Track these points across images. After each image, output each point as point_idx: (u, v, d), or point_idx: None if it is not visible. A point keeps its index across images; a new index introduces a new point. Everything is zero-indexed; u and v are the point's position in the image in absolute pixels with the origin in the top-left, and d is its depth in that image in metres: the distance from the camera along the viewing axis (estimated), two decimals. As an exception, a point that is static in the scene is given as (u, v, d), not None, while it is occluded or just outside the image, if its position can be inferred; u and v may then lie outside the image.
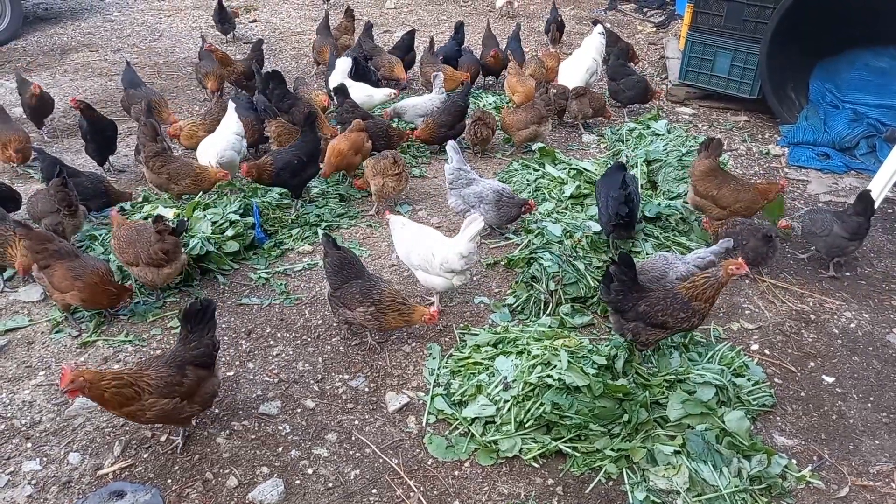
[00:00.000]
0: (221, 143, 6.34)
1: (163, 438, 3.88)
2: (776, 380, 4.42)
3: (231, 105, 6.60)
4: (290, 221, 6.01)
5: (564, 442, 3.77)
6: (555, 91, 7.76)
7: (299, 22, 12.60)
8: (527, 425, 3.82)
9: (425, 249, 4.66)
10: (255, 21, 12.54)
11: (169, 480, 3.63)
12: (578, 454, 3.73)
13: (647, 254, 5.41)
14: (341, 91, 7.19)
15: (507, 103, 8.33)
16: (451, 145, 5.87)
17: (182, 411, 3.62)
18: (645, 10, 13.18)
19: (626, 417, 3.80)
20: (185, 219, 5.20)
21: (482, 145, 7.37)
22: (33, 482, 3.59)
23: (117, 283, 4.66)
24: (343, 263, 4.48)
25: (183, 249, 4.93)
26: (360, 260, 4.67)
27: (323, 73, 8.97)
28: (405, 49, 9.36)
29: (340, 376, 4.38)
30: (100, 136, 6.59)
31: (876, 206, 5.42)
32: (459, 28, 9.62)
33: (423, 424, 3.99)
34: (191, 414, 3.72)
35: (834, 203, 6.61)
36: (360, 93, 7.73)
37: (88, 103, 6.59)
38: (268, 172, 5.88)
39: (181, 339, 3.76)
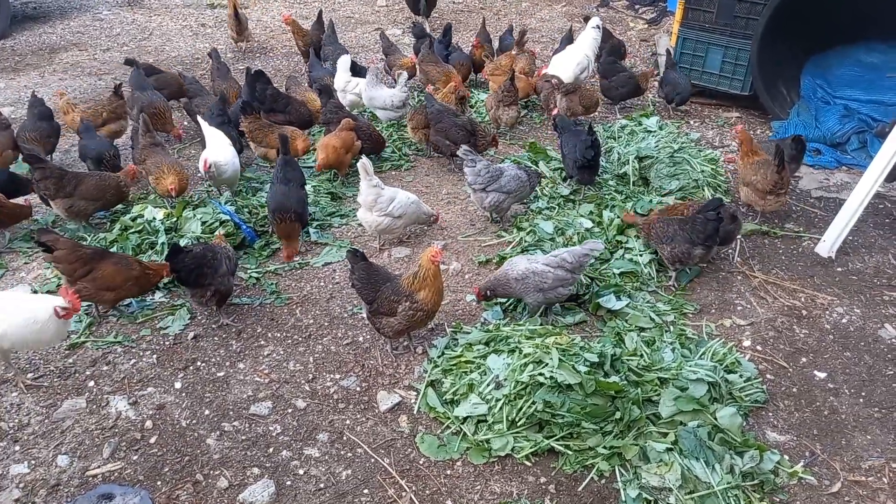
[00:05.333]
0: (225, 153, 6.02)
1: (152, 440, 3.85)
2: (768, 375, 4.42)
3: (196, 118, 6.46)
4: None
5: (556, 440, 3.76)
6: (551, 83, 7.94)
7: (290, 20, 12.53)
8: (519, 424, 3.81)
9: None
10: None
11: (159, 482, 3.61)
12: (571, 452, 3.72)
13: (639, 251, 5.42)
14: (326, 91, 7.22)
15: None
16: (464, 149, 5.81)
17: None
18: (637, 6, 13.17)
19: (618, 415, 3.78)
20: None
21: None
22: (21, 485, 3.56)
23: (153, 263, 4.81)
24: (370, 273, 4.37)
25: None
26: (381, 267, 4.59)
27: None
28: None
29: (332, 376, 4.36)
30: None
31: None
32: (447, 31, 9.62)
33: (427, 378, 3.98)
34: None
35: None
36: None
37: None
38: (297, 228, 5.46)
39: None
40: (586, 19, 9.27)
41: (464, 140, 6.47)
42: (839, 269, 5.53)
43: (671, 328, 4.69)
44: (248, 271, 5.33)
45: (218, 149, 6.02)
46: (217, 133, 6.20)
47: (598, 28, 8.52)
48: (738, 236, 5.75)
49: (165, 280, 5.04)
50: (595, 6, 13.32)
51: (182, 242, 5.26)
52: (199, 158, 6.02)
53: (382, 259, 5.54)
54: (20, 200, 5.63)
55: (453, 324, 4.70)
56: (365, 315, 4.54)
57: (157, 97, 7.24)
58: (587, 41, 8.44)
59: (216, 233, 5.28)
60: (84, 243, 4.77)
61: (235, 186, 6.23)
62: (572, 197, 6.27)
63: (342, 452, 3.83)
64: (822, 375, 4.46)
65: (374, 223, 5.46)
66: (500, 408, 3.85)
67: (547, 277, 4.52)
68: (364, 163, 5.29)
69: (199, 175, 6.08)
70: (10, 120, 6.81)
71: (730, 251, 5.67)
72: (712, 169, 6.66)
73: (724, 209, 5.22)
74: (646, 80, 8.26)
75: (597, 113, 8.14)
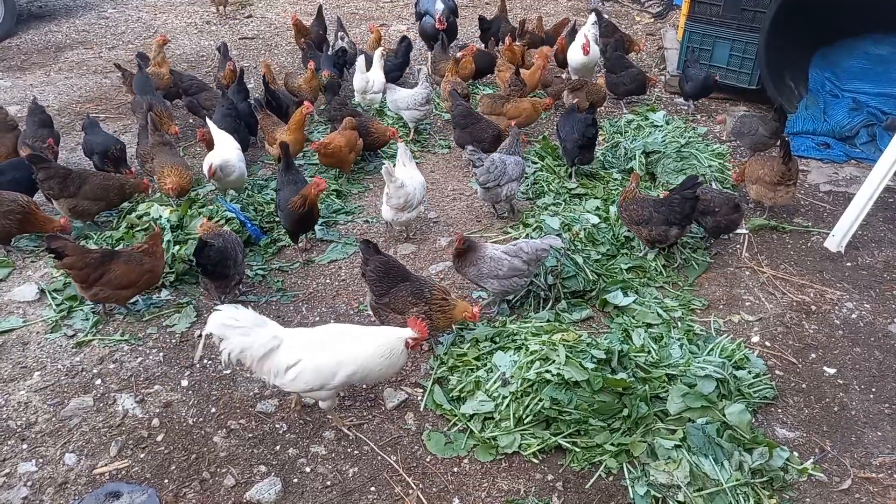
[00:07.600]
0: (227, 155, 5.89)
1: (159, 438, 3.86)
2: (777, 372, 4.39)
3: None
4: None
5: (564, 437, 3.74)
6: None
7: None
8: (526, 421, 3.79)
9: None
10: (250, 16, 12.46)
11: (166, 480, 3.61)
12: (578, 449, 3.70)
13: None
14: (331, 88, 7.22)
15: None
16: (470, 149, 5.83)
17: None
18: (643, 0, 13.09)
19: (625, 412, 3.77)
20: None
21: None
22: (29, 483, 3.57)
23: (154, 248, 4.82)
24: (388, 268, 4.37)
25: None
26: (402, 263, 4.56)
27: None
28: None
29: (338, 373, 4.35)
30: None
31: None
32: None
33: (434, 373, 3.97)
34: None
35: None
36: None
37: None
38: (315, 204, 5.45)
39: None
40: (591, 12, 9.26)
41: (491, 141, 6.53)
42: (848, 264, 5.48)
43: (679, 324, 4.67)
44: (254, 269, 5.32)
45: (224, 151, 5.92)
46: (224, 135, 6.13)
47: (596, 24, 8.64)
48: (746, 231, 5.73)
49: (171, 278, 5.07)
50: (600, 0, 13.25)
51: (185, 240, 5.26)
52: (205, 160, 5.97)
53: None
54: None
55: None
56: (368, 304, 4.53)
57: (161, 104, 7.23)
58: (589, 36, 8.46)
59: (200, 217, 5.33)
60: (91, 246, 4.76)
61: (241, 190, 6.19)
62: (579, 191, 6.23)
63: (349, 450, 3.82)
64: (832, 371, 4.42)
65: (405, 219, 5.55)
66: (507, 405, 3.84)
67: (502, 265, 4.53)
68: (388, 168, 5.28)
69: (206, 178, 6.05)
70: (16, 120, 6.82)
71: (738, 246, 5.64)
72: (720, 163, 6.62)
73: (704, 189, 5.31)
74: (650, 81, 8.25)
75: (603, 108, 8.10)
